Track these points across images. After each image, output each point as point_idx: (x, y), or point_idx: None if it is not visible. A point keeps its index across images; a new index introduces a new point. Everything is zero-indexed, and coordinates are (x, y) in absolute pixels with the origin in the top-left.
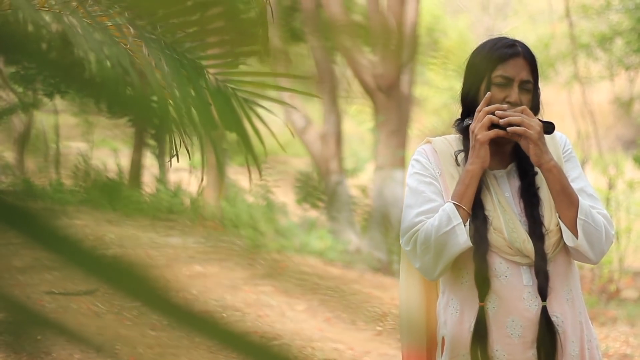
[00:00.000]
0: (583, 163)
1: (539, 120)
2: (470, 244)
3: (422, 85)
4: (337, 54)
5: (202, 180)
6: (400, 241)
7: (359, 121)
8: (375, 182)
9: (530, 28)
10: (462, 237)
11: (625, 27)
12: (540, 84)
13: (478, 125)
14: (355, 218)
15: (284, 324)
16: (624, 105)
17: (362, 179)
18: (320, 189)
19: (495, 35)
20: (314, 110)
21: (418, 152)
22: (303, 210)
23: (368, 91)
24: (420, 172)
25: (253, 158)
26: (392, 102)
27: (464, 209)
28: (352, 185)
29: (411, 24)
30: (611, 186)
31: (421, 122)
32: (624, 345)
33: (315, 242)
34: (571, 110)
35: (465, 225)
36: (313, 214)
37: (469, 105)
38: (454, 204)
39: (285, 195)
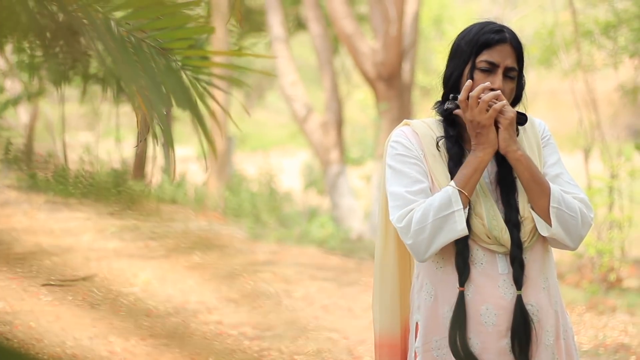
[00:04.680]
0: (587, 152)
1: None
2: (467, 233)
3: (429, 73)
4: (338, 42)
5: (206, 169)
6: (391, 217)
7: (364, 108)
8: (378, 171)
9: (539, 17)
10: (461, 225)
11: (630, 15)
12: (525, 73)
13: (475, 110)
14: (357, 207)
15: (280, 313)
16: (629, 93)
17: (368, 168)
18: (321, 179)
19: (484, 19)
20: (316, 98)
21: (397, 135)
22: (306, 199)
23: (369, 80)
24: (403, 153)
25: (206, 137)
26: (394, 90)
27: (465, 195)
28: (357, 175)
29: (413, 13)
30: (614, 175)
31: (428, 110)
32: (622, 334)
33: (317, 231)
34: (574, 99)
35: (464, 212)
36: (315, 202)
37: (451, 88)
38: (457, 189)
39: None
